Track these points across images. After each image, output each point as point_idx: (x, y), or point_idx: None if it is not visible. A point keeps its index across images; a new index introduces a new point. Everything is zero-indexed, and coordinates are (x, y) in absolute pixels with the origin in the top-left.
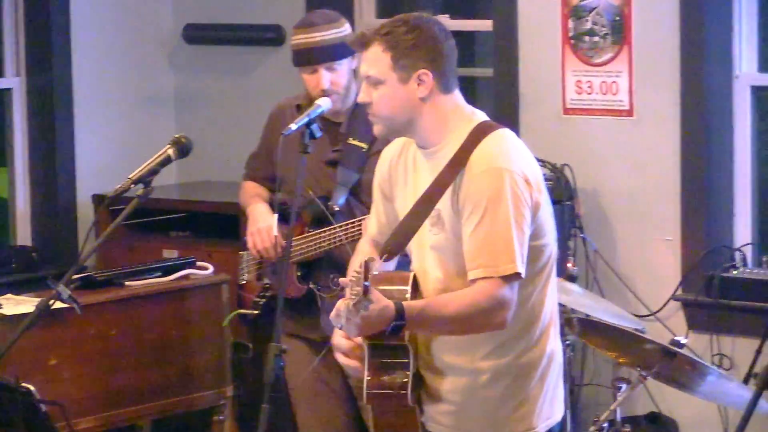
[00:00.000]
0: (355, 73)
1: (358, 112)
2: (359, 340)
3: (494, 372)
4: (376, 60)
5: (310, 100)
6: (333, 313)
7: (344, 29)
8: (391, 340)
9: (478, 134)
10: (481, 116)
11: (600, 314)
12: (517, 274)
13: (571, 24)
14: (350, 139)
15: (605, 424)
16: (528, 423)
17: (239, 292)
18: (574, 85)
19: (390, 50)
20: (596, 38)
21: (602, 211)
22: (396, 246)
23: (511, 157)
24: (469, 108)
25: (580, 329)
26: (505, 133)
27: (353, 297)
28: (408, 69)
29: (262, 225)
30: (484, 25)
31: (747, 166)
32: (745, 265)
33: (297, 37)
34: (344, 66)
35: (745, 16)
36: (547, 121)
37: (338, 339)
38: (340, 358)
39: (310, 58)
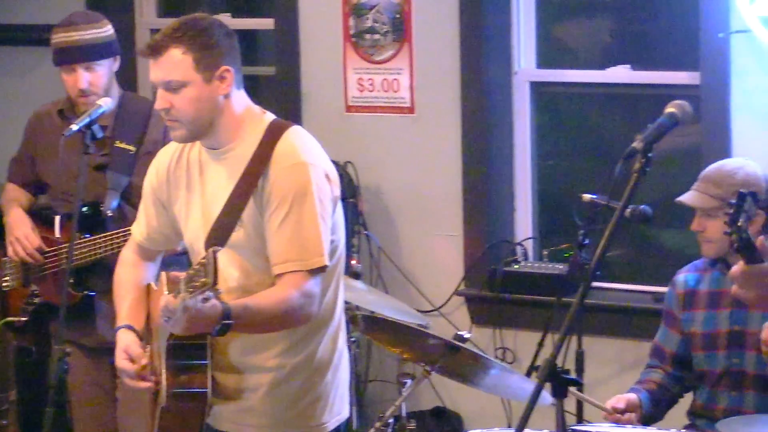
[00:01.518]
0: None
1: (123, 114)
2: (145, 360)
3: (290, 369)
4: (175, 64)
5: (72, 104)
6: (162, 308)
7: (105, 30)
8: (194, 340)
9: (275, 132)
10: (270, 115)
11: (384, 311)
12: (324, 267)
13: (351, 22)
14: (117, 142)
15: (391, 420)
16: (320, 419)
17: (3, 299)
18: (356, 82)
19: (190, 51)
20: (377, 36)
21: (385, 208)
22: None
23: (313, 152)
24: (258, 107)
25: (365, 326)
26: (300, 130)
27: (191, 290)
28: (211, 67)
29: (19, 232)
30: (266, 23)
31: (527, 162)
32: (526, 259)
33: (57, 36)
34: (104, 67)
35: (523, 12)
36: (329, 118)
37: (123, 362)
38: (129, 383)
39: (68, 56)
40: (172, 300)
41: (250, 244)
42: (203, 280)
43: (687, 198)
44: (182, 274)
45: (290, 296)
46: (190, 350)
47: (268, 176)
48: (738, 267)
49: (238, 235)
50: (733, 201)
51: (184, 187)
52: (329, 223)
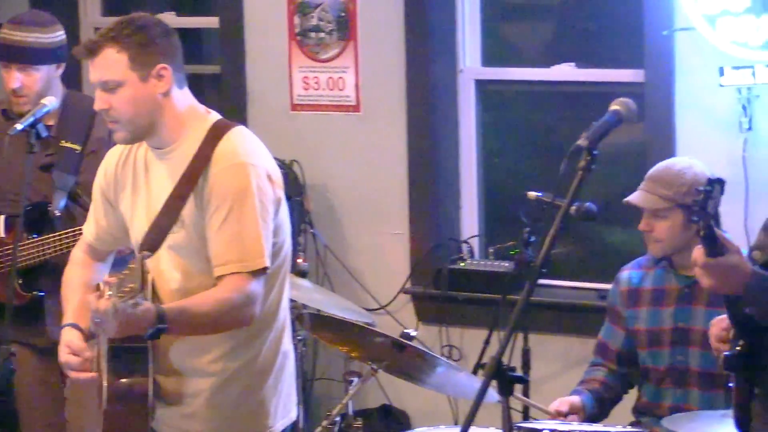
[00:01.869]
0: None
1: (68, 113)
2: (89, 354)
3: (231, 373)
4: (110, 63)
5: (10, 103)
6: (93, 311)
7: (52, 36)
8: (134, 343)
9: (217, 131)
10: (215, 115)
11: (331, 309)
12: (265, 269)
13: (297, 20)
14: (62, 141)
15: (338, 418)
16: (265, 423)
17: None
18: (301, 81)
19: (125, 50)
20: (322, 34)
21: (331, 207)
22: (151, 248)
23: (255, 153)
24: (202, 107)
25: (311, 324)
26: (243, 131)
27: (121, 295)
28: (147, 66)
29: None
30: (211, 22)
31: (473, 159)
32: (472, 256)
33: (3, 31)
34: (41, 72)
35: (468, 11)
36: (275, 117)
37: (65, 356)
38: (72, 375)
39: (5, 54)
40: (102, 303)
41: (191, 244)
42: (131, 285)
43: (635, 198)
44: (114, 278)
45: (230, 298)
46: (130, 353)
47: (208, 176)
48: (699, 254)
49: (178, 235)
50: (702, 188)
51: (130, 186)
52: (271, 224)
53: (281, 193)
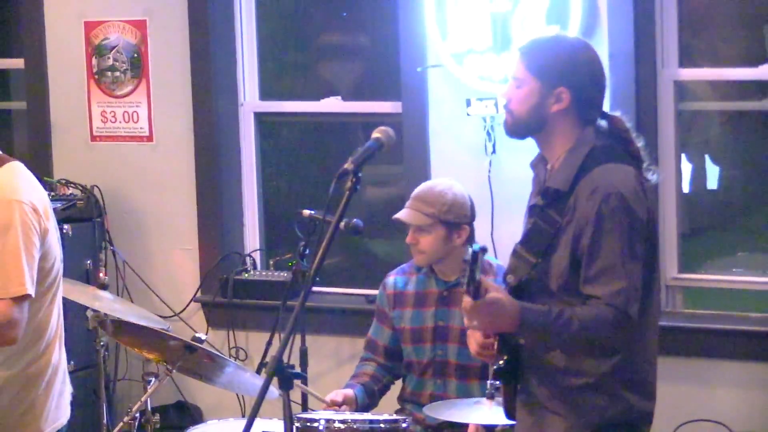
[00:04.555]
0: None
1: None
2: None
3: (4, 381)
4: None
5: None
6: None
7: None
8: None
9: None
10: None
11: (130, 317)
12: (28, 295)
13: (94, 61)
14: None
15: (137, 415)
16: (35, 427)
17: None
18: (100, 115)
19: None
20: (117, 73)
21: (129, 226)
22: None
23: (22, 189)
24: None
25: (113, 330)
26: (16, 166)
27: None
28: None
29: None
30: (16, 63)
31: (254, 182)
32: (255, 268)
33: None
34: None
35: (247, 51)
36: (77, 147)
37: None
38: None
39: None
40: None
41: None
42: None
43: (403, 215)
44: None
45: None
46: None
47: None
48: (467, 302)
49: None
50: (467, 258)
51: None
52: (36, 254)
53: (48, 223)
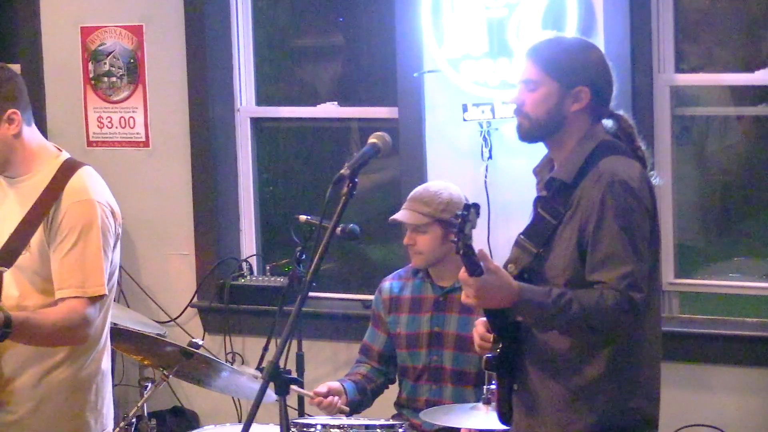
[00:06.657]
0: None
1: None
2: None
3: (57, 384)
4: None
5: None
6: None
7: None
8: None
9: (67, 169)
10: (66, 154)
11: (126, 323)
12: (103, 296)
13: (91, 67)
14: None
15: (134, 420)
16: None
17: None
18: (96, 120)
19: None
20: (114, 79)
21: (126, 232)
22: (4, 265)
23: (100, 191)
24: (52, 145)
25: (110, 336)
26: (91, 171)
27: None
28: None
29: None
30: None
31: (250, 188)
32: (251, 273)
33: None
34: None
35: (243, 57)
36: (72, 153)
37: None
38: None
39: None
40: None
41: (34, 266)
42: None
43: (400, 216)
44: None
45: (69, 318)
46: None
47: (59, 209)
48: (462, 273)
49: (24, 258)
50: (460, 212)
51: None
52: (111, 255)
53: (120, 229)
